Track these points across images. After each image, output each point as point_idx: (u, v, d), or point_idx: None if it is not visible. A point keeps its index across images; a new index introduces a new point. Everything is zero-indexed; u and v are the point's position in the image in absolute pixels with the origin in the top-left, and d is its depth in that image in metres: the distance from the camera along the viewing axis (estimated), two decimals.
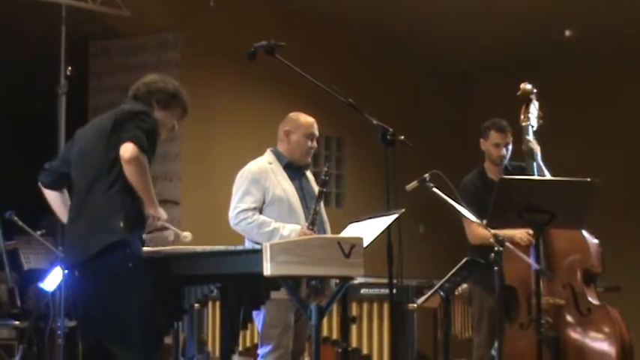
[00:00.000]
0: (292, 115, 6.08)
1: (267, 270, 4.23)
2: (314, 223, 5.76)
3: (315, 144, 6.02)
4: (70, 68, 6.14)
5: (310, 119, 6.04)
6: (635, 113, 10.87)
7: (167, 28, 9.51)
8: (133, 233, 4.66)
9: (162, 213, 4.79)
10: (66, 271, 4.96)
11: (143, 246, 4.71)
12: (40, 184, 4.97)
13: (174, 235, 4.85)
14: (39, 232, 7.34)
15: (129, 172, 4.62)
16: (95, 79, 9.90)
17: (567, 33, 10.18)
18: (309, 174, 6.09)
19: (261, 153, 6.02)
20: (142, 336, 4.63)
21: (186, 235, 4.81)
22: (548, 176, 6.26)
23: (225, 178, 9.25)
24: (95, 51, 9.99)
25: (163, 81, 5.02)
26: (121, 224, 4.63)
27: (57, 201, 4.96)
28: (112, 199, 4.67)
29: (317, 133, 6.03)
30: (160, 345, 4.76)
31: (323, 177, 5.88)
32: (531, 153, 6.33)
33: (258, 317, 5.73)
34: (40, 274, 7.71)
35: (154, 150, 4.80)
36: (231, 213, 5.86)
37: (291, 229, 5.72)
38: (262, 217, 5.79)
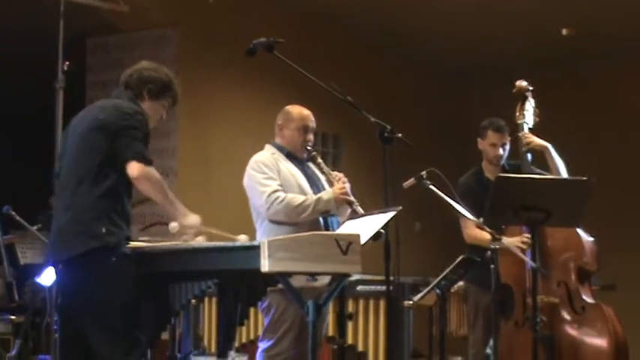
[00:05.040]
0: (286, 108, 5.96)
1: (265, 266, 4.24)
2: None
3: (310, 137, 5.87)
4: (67, 63, 6.13)
5: (304, 112, 5.89)
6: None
7: (165, 24, 9.51)
8: (116, 237, 4.66)
9: (194, 219, 4.82)
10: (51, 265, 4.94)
11: (129, 242, 4.71)
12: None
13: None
14: (35, 227, 7.33)
15: (142, 190, 4.66)
16: (92, 74, 9.90)
17: (564, 32, 10.18)
18: (311, 164, 5.96)
19: (259, 149, 5.96)
20: (122, 330, 4.62)
21: (242, 237, 4.81)
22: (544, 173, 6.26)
23: (223, 174, 9.30)
24: (93, 46, 9.99)
25: (156, 70, 4.96)
26: (103, 230, 4.63)
27: None
28: (95, 203, 4.67)
29: (312, 125, 5.87)
30: (141, 341, 4.67)
31: (312, 153, 5.85)
32: (525, 146, 6.31)
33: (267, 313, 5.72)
34: (37, 269, 7.69)
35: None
36: (261, 200, 5.66)
37: (326, 192, 5.69)
38: (292, 195, 5.68)
